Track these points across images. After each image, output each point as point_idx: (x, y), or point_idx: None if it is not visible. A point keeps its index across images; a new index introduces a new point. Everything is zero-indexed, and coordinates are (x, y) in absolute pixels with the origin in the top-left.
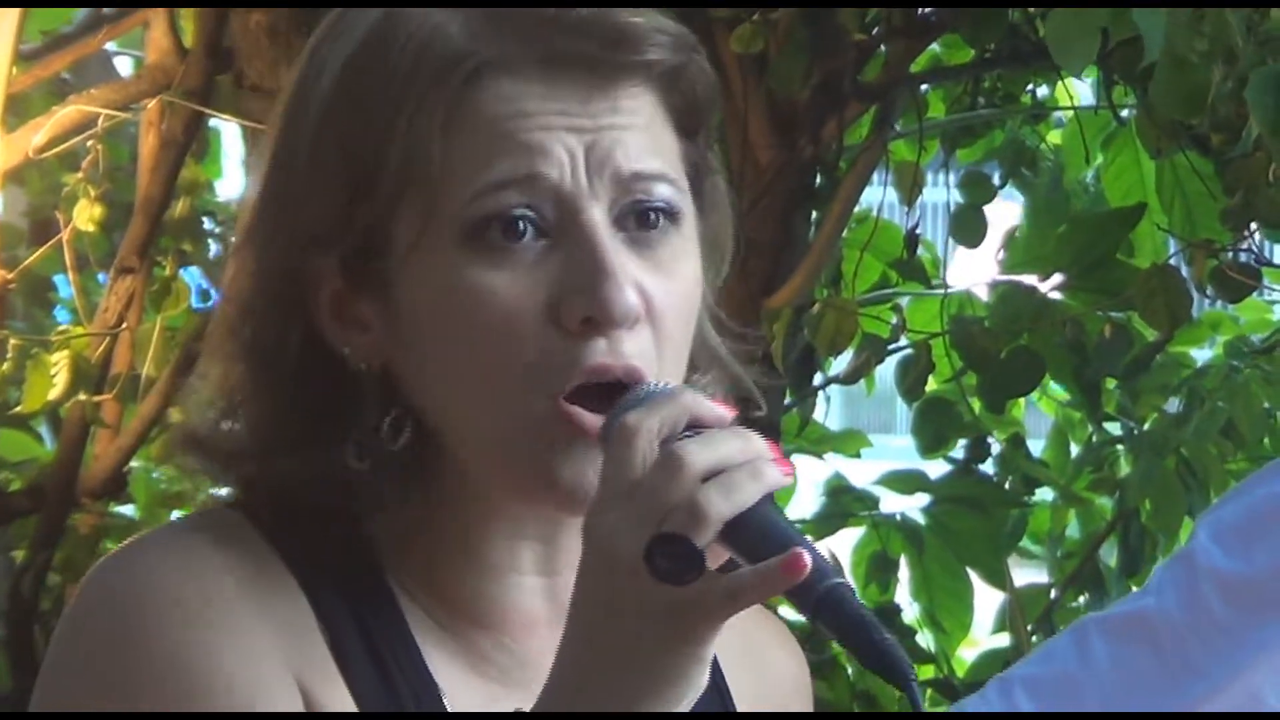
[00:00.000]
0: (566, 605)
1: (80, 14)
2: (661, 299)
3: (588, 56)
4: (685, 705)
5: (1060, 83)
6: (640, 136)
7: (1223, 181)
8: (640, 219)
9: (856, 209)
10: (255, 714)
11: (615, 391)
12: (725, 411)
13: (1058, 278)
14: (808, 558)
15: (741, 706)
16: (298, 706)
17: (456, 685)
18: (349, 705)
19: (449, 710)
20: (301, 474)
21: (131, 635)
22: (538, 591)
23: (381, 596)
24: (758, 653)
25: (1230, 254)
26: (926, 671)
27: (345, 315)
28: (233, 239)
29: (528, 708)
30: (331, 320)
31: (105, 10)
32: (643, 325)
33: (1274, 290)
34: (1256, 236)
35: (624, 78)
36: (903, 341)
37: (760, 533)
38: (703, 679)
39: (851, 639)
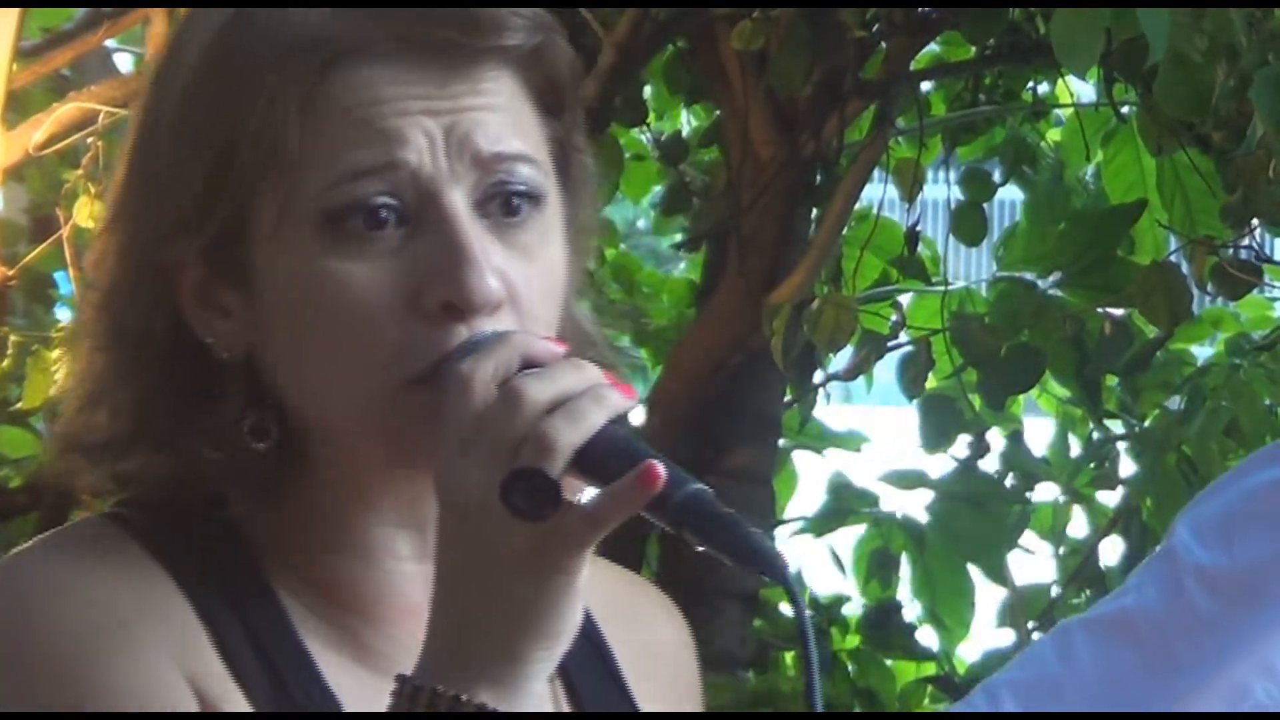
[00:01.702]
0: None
1: (80, 10)
2: (524, 284)
3: (444, 41)
4: (565, 638)
5: (1061, 80)
6: (500, 117)
7: (1223, 178)
8: (504, 204)
9: (857, 206)
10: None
11: None
12: (558, 347)
13: (1058, 274)
14: (661, 468)
15: (627, 669)
16: (189, 700)
17: (343, 678)
18: (243, 704)
19: (337, 701)
20: (167, 469)
21: (18, 652)
22: (416, 579)
23: (262, 594)
24: (638, 619)
25: (1231, 251)
26: (928, 669)
27: (209, 302)
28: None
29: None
30: (196, 308)
31: (106, 9)
32: (505, 311)
33: (1275, 287)
34: (1258, 233)
35: (482, 61)
36: (903, 338)
37: (612, 455)
38: (577, 613)
39: (719, 540)
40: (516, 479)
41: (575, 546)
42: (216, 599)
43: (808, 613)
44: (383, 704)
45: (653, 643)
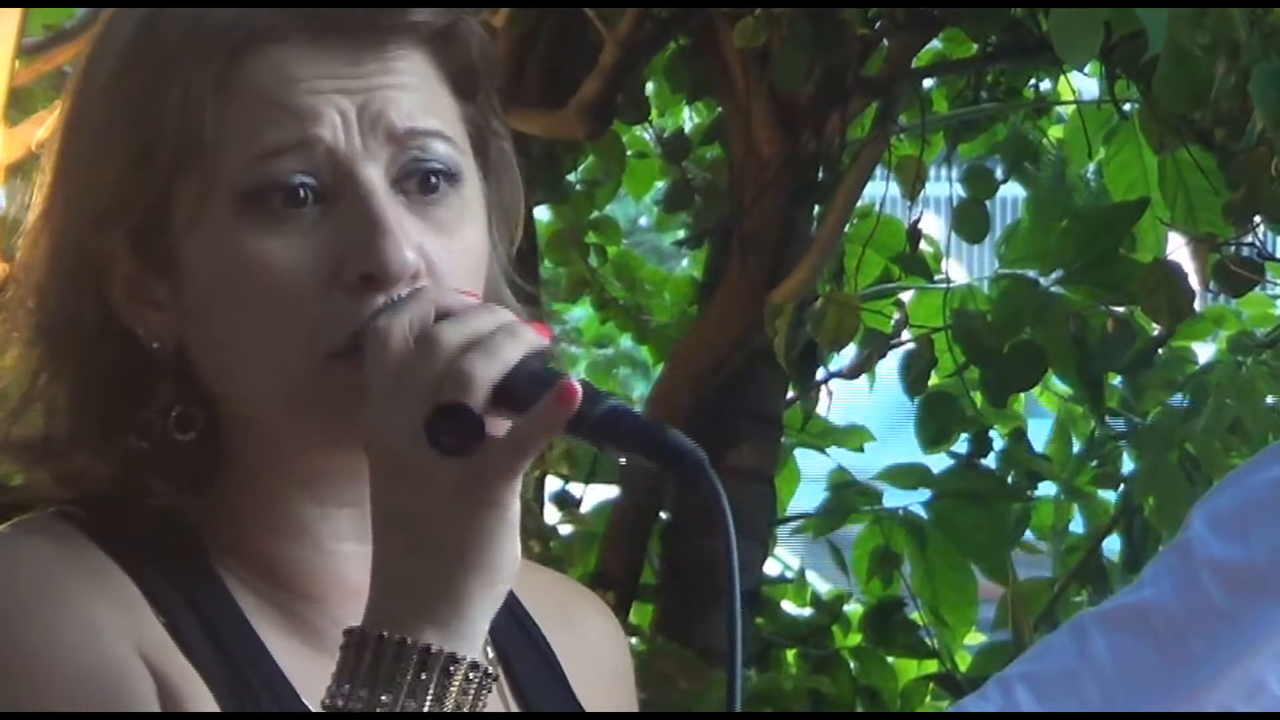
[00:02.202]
0: None
1: (83, 9)
2: (443, 260)
3: (354, 21)
4: (505, 573)
5: (1063, 77)
6: (413, 95)
7: (1226, 176)
8: (421, 181)
9: (859, 204)
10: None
11: None
12: (471, 299)
13: (1060, 272)
14: (576, 384)
15: (567, 668)
16: (148, 680)
17: (291, 659)
18: (199, 684)
19: (289, 681)
20: (107, 466)
21: None
22: (358, 560)
23: (210, 580)
24: (575, 619)
25: (1233, 248)
26: (930, 666)
27: (139, 295)
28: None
29: None
30: (126, 301)
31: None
32: (424, 284)
33: (1277, 284)
34: (1260, 230)
35: (393, 39)
36: (905, 336)
37: (532, 386)
38: (514, 548)
39: (641, 446)
40: (440, 417)
41: (504, 476)
42: (165, 588)
43: (728, 512)
44: (321, 677)
45: (588, 642)
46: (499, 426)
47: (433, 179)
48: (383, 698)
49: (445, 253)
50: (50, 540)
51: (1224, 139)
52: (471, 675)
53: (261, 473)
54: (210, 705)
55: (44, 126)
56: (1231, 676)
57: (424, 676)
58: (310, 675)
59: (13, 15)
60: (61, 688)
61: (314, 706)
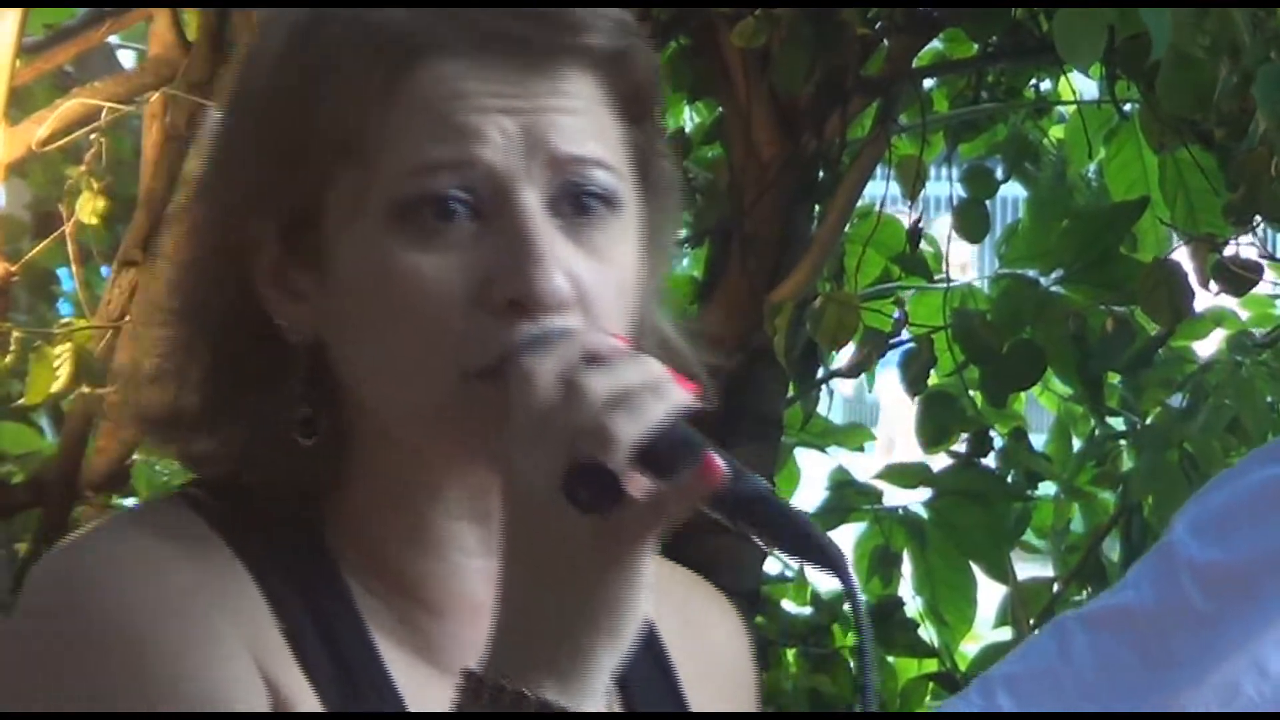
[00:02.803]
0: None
1: (83, 8)
2: (594, 285)
3: (526, 38)
4: (629, 633)
5: (1063, 77)
6: (578, 120)
7: (1226, 175)
8: (577, 205)
9: (859, 203)
10: (237, 714)
11: None
12: (620, 343)
13: (1060, 271)
14: (721, 462)
15: (685, 678)
16: (262, 694)
17: (405, 671)
18: (307, 691)
19: (401, 696)
20: (227, 448)
21: (88, 633)
22: (482, 575)
23: (332, 581)
24: (697, 624)
25: (1233, 248)
26: (930, 665)
27: (282, 283)
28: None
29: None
30: (269, 288)
31: (109, 5)
32: (573, 311)
33: (1277, 284)
34: (1260, 230)
35: (563, 60)
36: (905, 336)
37: (674, 450)
38: (640, 605)
39: (779, 536)
40: (578, 472)
41: (638, 540)
42: (285, 584)
43: (863, 603)
44: (443, 700)
45: (708, 646)
46: (637, 484)
47: (589, 203)
48: None
49: (597, 277)
50: (177, 536)
51: (1224, 139)
52: None
53: (391, 479)
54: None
55: (44, 125)
56: (1208, 680)
57: None
58: (421, 688)
59: (13, 15)
60: (178, 705)
61: (410, 705)
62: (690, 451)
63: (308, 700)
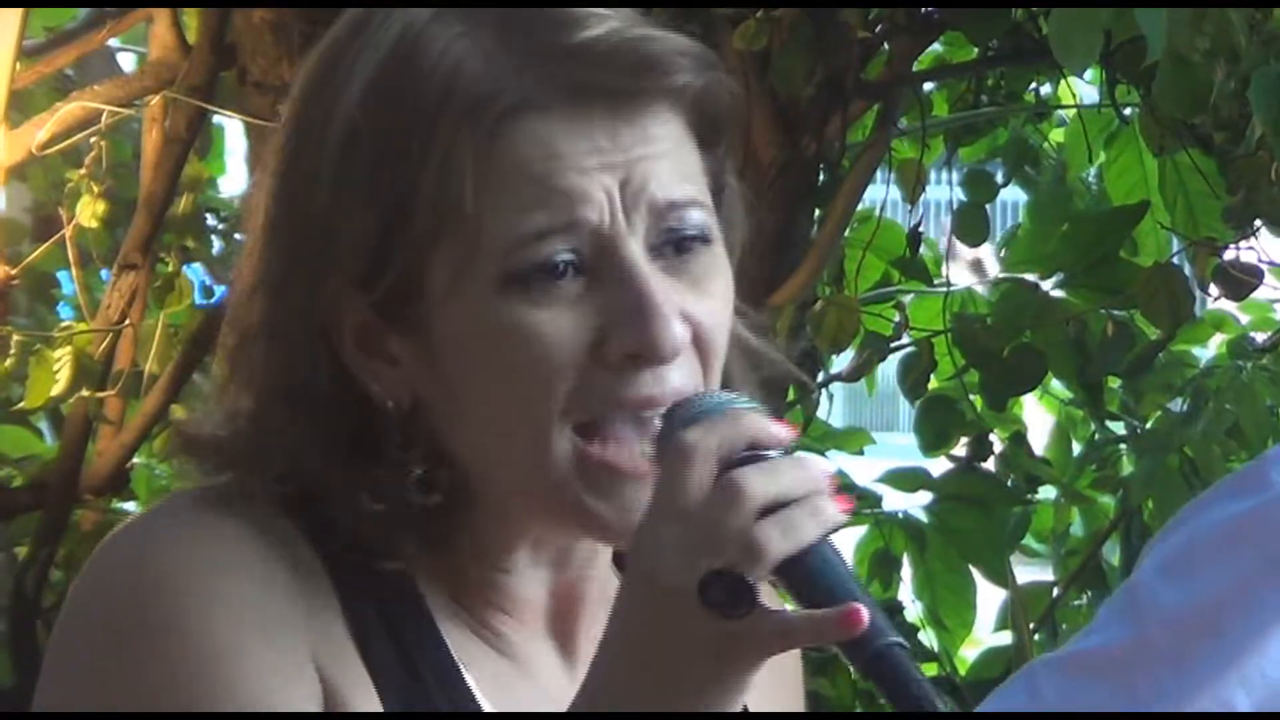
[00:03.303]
0: (574, 597)
1: (83, 10)
2: (704, 320)
3: (614, 88)
4: None
5: (1063, 81)
6: (670, 163)
7: (1225, 180)
8: (677, 247)
9: (859, 207)
10: (267, 714)
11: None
12: (785, 432)
13: (1060, 275)
14: (865, 614)
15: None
16: (315, 689)
17: (475, 663)
18: (366, 683)
19: (473, 687)
20: (352, 513)
21: (148, 609)
22: (546, 582)
23: (404, 585)
24: None
25: (1233, 252)
26: (929, 669)
27: (374, 350)
28: (238, 236)
29: (536, 689)
30: (359, 355)
31: (109, 8)
32: (687, 352)
33: (1276, 289)
34: (1260, 234)
35: (651, 105)
36: (905, 339)
37: (815, 574)
38: (739, 704)
39: (900, 698)
40: (718, 578)
41: (756, 654)
42: (352, 573)
43: None
44: (522, 698)
45: None
46: (768, 592)
47: (689, 244)
48: None
49: (705, 311)
50: (239, 516)
51: (1223, 143)
52: None
53: (483, 525)
54: (378, 708)
55: (44, 128)
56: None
57: None
58: (491, 682)
59: (13, 17)
60: (215, 669)
61: (489, 708)
62: (830, 582)
63: (366, 696)
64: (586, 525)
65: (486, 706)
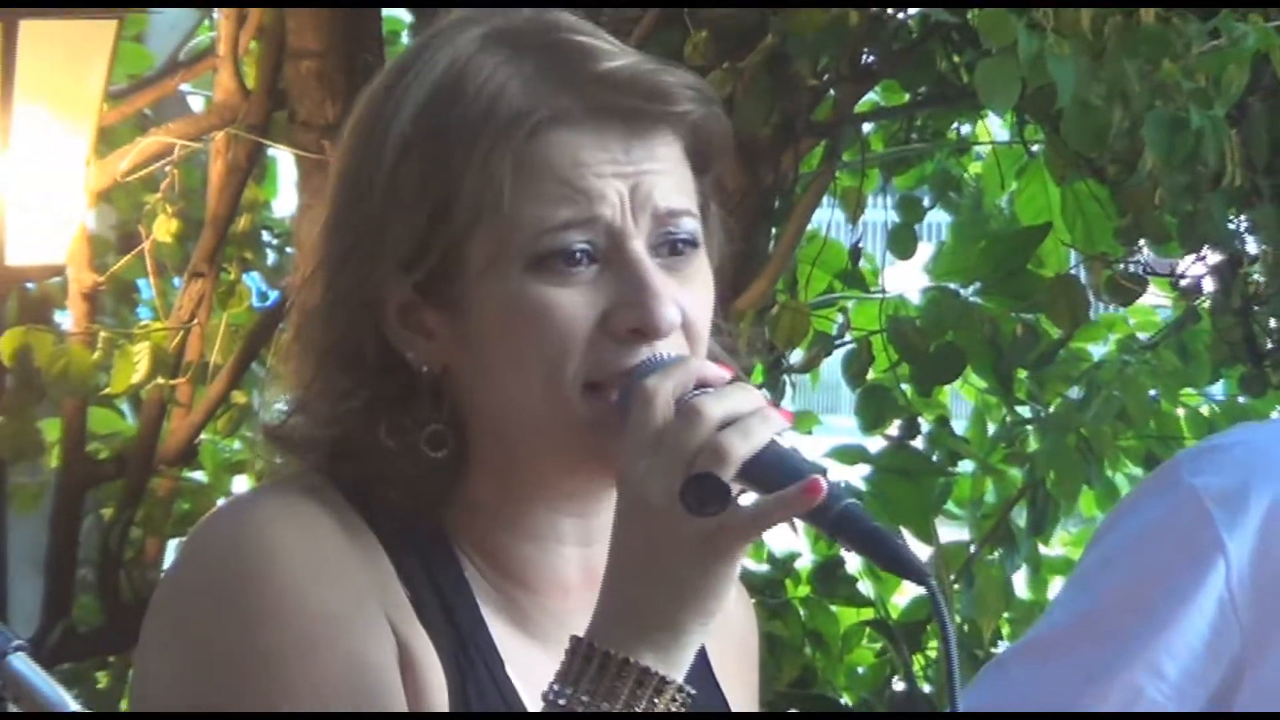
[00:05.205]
0: (598, 574)
1: (160, 60)
2: (692, 310)
3: (630, 109)
4: (717, 616)
5: (981, 121)
6: (671, 179)
7: (1117, 205)
8: (671, 248)
9: (809, 227)
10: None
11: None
12: (725, 371)
13: (978, 284)
14: (824, 482)
15: (709, 649)
16: (394, 643)
17: (507, 640)
18: (425, 640)
19: (503, 660)
20: (370, 463)
21: (249, 576)
22: (574, 561)
23: (449, 563)
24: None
25: (1122, 265)
26: (867, 613)
27: (413, 324)
28: (289, 249)
29: (555, 666)
30: (400, 328)
31: (181, 58)
32: (677, 333)
33: (1158, 295)
34: (1145, 251)
35: (659, 127)
36: (847, 338)
37: (775, 466)
38: (731, 592)
39: (870, 550)
40: (693, 482)
41: (740, 539)
42: (410, 555)
43: (948, 617)
44: (536, 665)
45: (728, 616)
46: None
47: (682, 246)
48: (602, 705)
49: (692, 301)
50: (319, 502)
51: (1116, 174)
52: (677, 696)
53: (506, 479)
54: (439, 672)
55: (126, 159)
56: (1114, 687)
57: (639, 692)
58: (520, 655)
59: (102, 68)
60: (317, 628)
61: (519, 682)
62: (790, 467)
63: (430, 655)
64: (591, 460)
65: (510, 672)
